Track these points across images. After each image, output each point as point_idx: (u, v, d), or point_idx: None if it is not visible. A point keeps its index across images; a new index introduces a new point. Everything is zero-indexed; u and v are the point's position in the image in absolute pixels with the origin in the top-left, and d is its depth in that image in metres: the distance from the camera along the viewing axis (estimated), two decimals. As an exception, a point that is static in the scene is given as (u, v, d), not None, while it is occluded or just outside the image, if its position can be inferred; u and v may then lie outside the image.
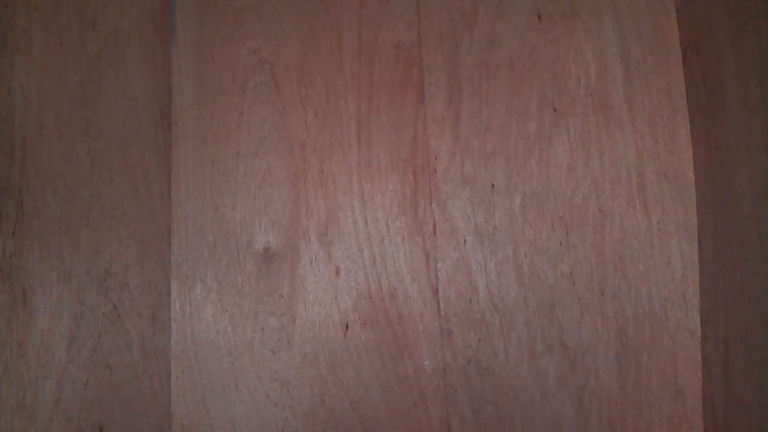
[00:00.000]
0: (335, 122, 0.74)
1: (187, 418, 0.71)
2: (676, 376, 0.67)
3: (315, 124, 0.74)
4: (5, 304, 0.73)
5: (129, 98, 0.76)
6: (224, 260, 0.73)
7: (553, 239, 0.70)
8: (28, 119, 0.76)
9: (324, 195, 0.73)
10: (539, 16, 0.73)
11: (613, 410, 0.67)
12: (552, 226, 0.70)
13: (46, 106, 0.76)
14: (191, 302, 0.72)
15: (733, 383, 0.63)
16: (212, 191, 0.74)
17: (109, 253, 0.73)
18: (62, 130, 0.76)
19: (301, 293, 0.72)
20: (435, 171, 0.72)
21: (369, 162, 0.73)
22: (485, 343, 0.69)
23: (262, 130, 0.74)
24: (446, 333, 0.70)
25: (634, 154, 0.70)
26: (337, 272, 0.71)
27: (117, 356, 0.72)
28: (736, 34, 0.62)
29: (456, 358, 0.69)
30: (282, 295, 0.72)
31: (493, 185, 0.71)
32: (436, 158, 0.72)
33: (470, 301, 0.70)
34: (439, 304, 0.70)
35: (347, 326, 0.71)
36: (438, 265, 0.71)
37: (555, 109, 0.71)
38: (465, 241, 0.71)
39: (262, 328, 0.71)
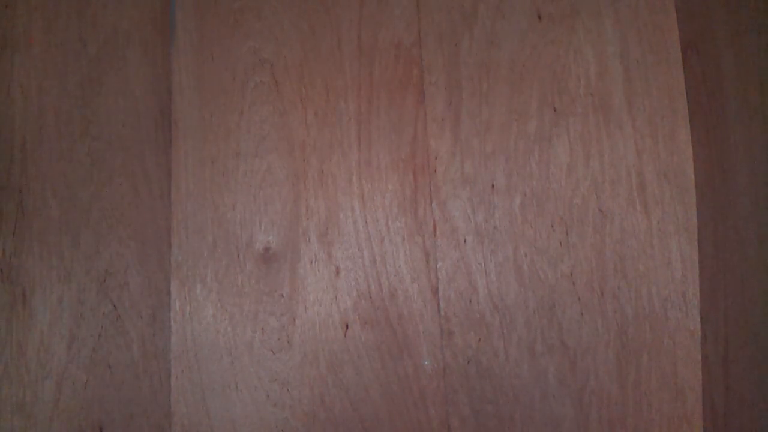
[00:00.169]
0: (335, 122, 0.74)
1: (187, 418, 0.71)
2: (676, 376, 0.67)
3: (315, 124, 0.74)
4: (5, 304, 0.73)
5: (129, 98, 0.76)
6: (224, 260, 0.73)
7: (553, 239, 0.70)
8: (28, 119, 0.76)
9: (324, 195, 0.73)
10: (539, 16, 0.73)
11: (613, 410, 0.67)
12: (552, 226, 0.70)
13: (46, 106, 0.76)
14: (191, 302, 0.72)
15: (733, 383, 0.63)
16: (212, 191, 0.74)
17: (109, 253, 0.73)
18: (62, 130, 0.76)
19: (301, 293, 0.72)
20: (435, 171, 0.72)
21: (369, 162, 0.73)
22: (485, 343, 0.69)
23: (262, 130, 0.74)
24: (446, 333, 0.70)
25: (634, 154, 0.70)
26: (337, 272, 0.71)
27: (117, 356, 0.72)
28: (735, 34, 0.62)
29: (456, 358, 0.69)
30: (282, 295, 0.72)
31: (493, 185, 0.71)
32: (436, 158, 0.72)
33: (470, 301, 0.70)
34: (439, 304, 0.70)
35: (347, 326, 0.71)
36: (438, 265, 0.71)
37: (555, 109, 0.71)
38: (465, 241, 0.71)
39: (262, 328, 0.71)
